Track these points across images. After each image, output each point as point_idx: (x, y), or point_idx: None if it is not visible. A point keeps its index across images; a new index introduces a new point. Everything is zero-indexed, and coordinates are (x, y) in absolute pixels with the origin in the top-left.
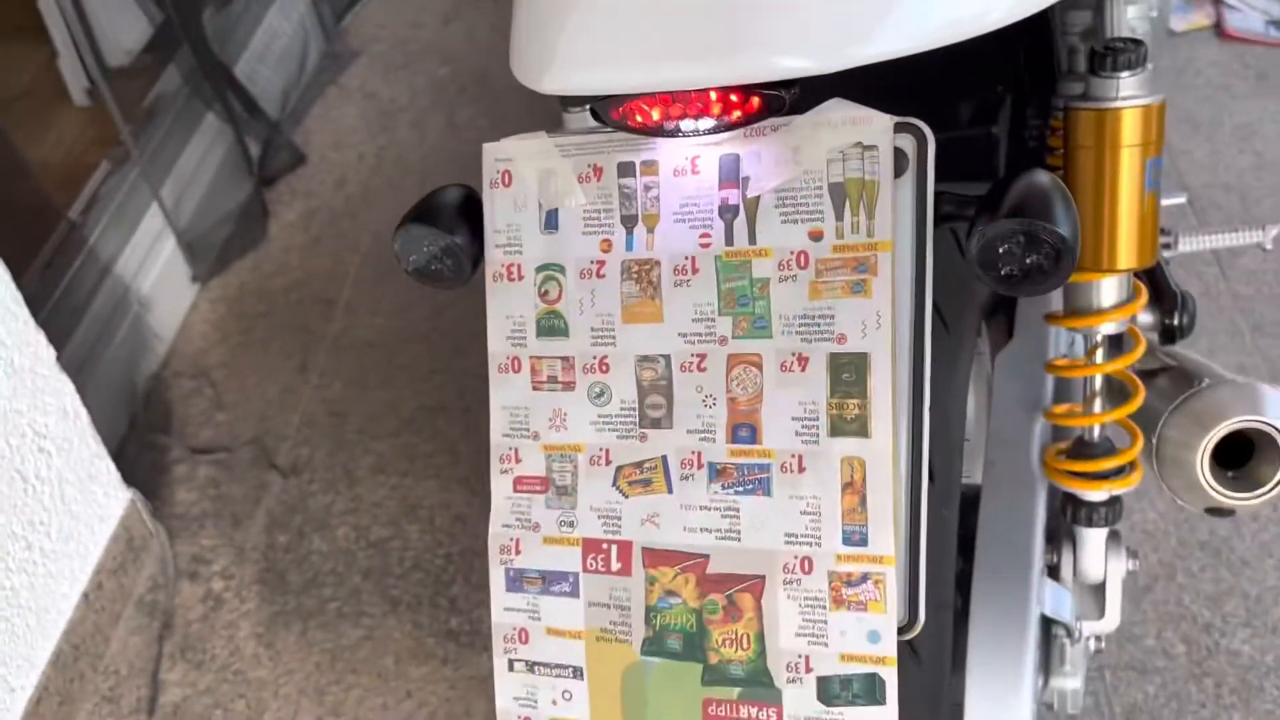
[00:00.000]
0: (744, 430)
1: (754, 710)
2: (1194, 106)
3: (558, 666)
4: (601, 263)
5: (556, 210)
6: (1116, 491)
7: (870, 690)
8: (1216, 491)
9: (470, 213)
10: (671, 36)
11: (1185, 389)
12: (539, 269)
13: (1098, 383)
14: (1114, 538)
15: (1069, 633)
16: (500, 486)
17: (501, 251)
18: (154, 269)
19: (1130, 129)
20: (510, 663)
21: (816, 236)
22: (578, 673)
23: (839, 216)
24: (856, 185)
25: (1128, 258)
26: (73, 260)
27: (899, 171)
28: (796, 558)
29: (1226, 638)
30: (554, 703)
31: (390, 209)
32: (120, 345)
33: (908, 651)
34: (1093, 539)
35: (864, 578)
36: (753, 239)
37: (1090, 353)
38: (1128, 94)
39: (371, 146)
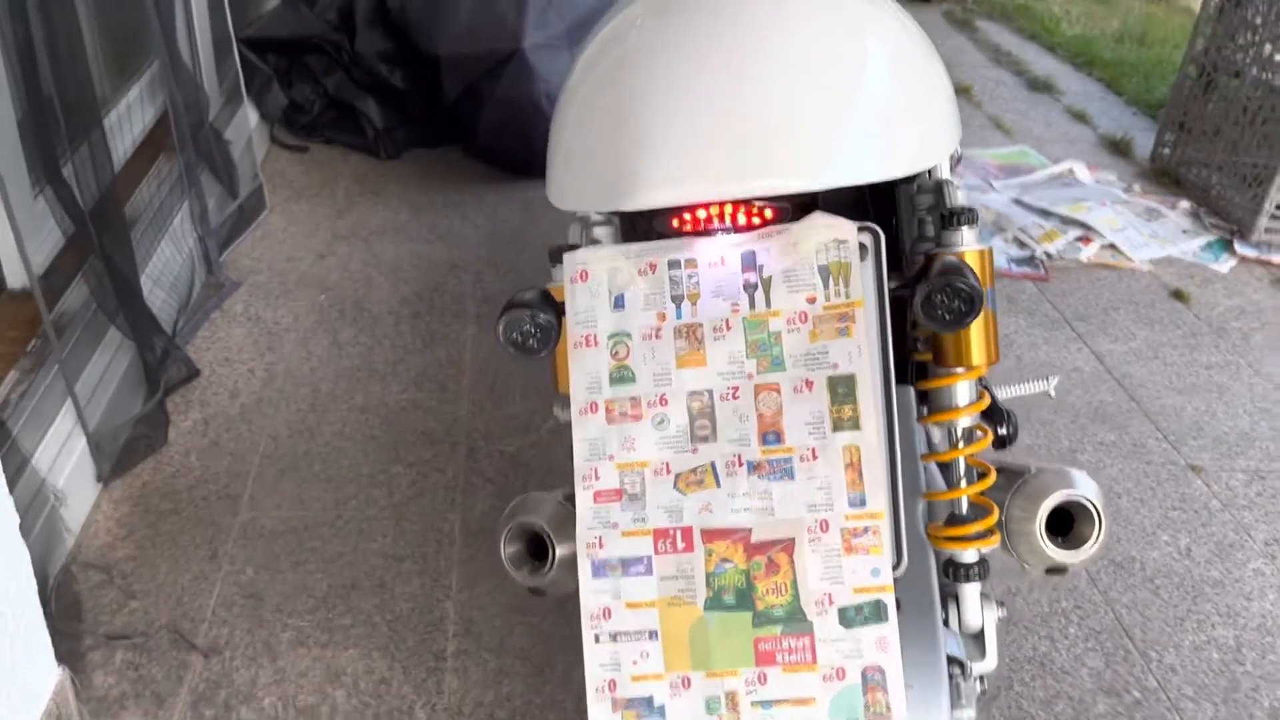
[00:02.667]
0: (771, 436)
1: (793, 641)
2: None
3: (636, 633)
4: (659, 329)
5: (623, 294)
6: (984, 550)
7: (877, 612)
8: (1053, 552)
9: (548, 303)
10: (723, 167)
11: (1017, 480)
12: (610, 336)
13: (961, 468)
14: (985, 596)
15: (963, 671)
16: (584, 499)
17: (581, 327)
18: (67, 465)
19: (974, 267)
20: (596, 636)
21: (812, 301)
22: (653, 635)
23: (826, 286)
24: (836, 266)
25: (978, 356)
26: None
27: (863, 256)
28: (817, 521)
29: None
30: (634, 663)
31: (285, 416)
32: (38, 536)
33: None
34: (970, 593)
35: (865, 530)
36: (768, 304)
37: (954, 443)
38: (970, 242)
39: (260, 363)
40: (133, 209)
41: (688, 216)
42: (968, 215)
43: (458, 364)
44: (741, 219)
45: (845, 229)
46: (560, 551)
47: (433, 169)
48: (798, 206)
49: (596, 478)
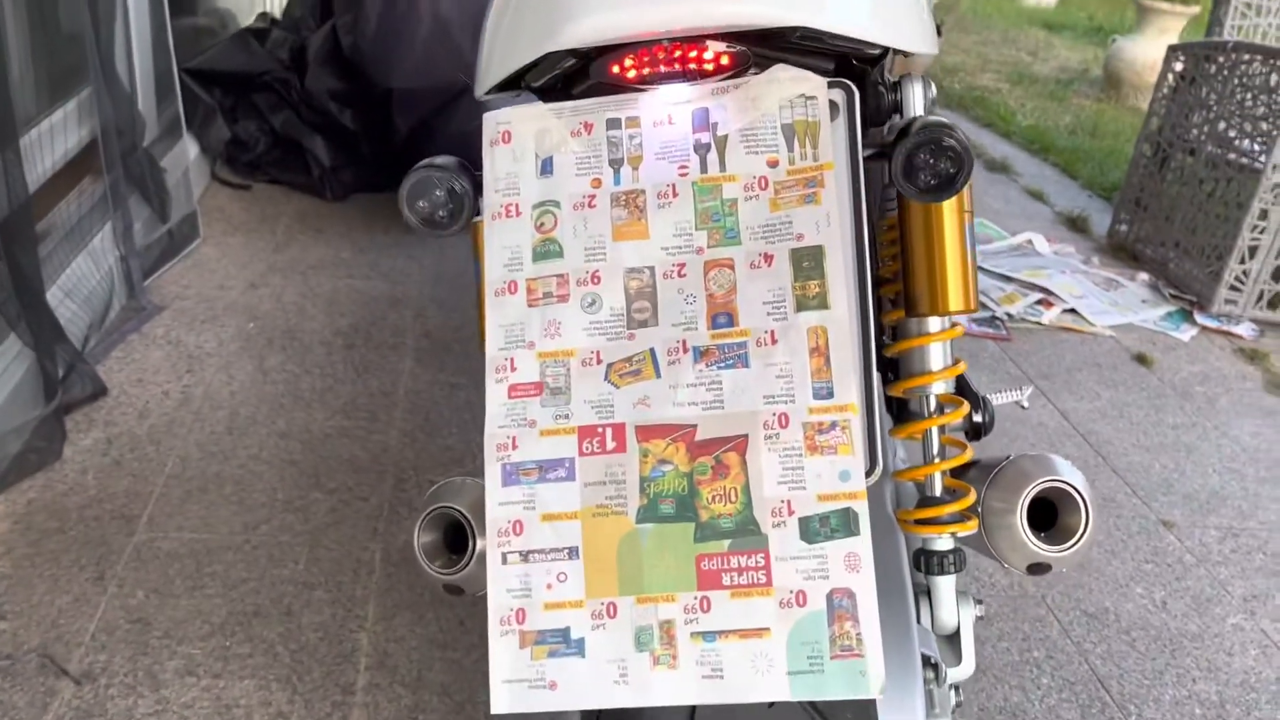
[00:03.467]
0: (722, 318)
1: (743, 559)
2: None
3: (553, 551)
4: (592, 196)
5: (551, 158)
6: (960, 534)
7: (846, 524)
8: (1036, 546)
9: (465, 171)
10: None
11: (994, 468)
12: (535, 206)
13: (935, 441)
14: (961, 593)
15: (936, 675)
16: (495, 394)
17: (500, 195)
18: None
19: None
20: (504, 556)
21: (773, 164)
22: (573, 553)
23: (790, 148)
24: (803, 125)
25: (956, 300)
26: None
27: (834, 115)
28: (775, 415)
29: None
30: (548, 587)
31: (197, 438)
32: None
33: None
34: (944, 587)
35: (833, 425)
36: (722, 168)
37: (927, 415)
38: None
39: (176, 385)
40: (49, 222)
41: (629, 63)
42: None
43: (391, 395)
44: (693, 66)
45: (813, 82)
46: (481, 543)
47: (379, 211)
48: (759, 57)
49: (512, 369)
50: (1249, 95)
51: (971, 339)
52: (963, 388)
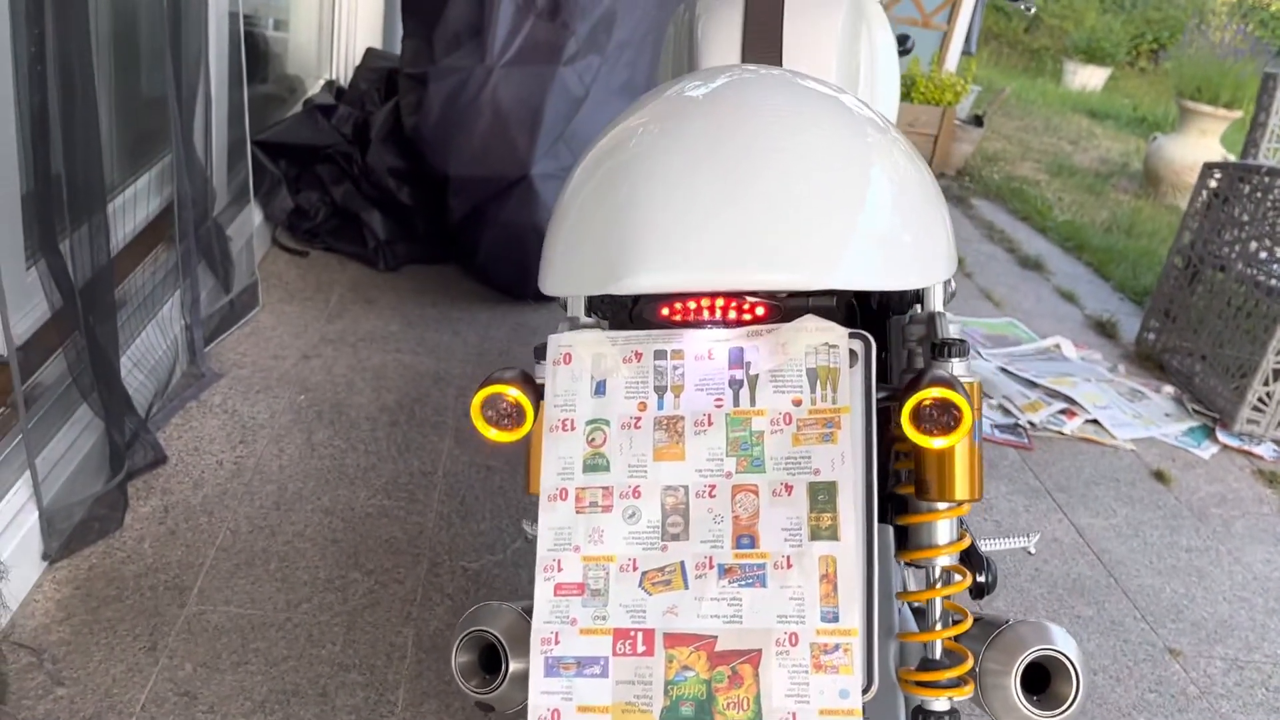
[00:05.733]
0: (745, 539)
1: None
2: None
3: None
4: (638, 418)
5: (605, 381)
6: (956, 699)
7: None
8: (1029, 711)
9: (528, 383)
10: (719, 255)
11: (994, 630)
12: (588, 422)
13: (938, 609)
14: None
15: None
16: (543, 591)
17: (559, 410)
18: (14, 539)
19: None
20: None
21: (797, 403)
22: None
23: (813, 390)
24: (825, 370)
25: (963, 490)
26: None
27: (853, 363)
28: (786, 633)
29: None
30: None
31: (247, 511)
32: None
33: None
34: None
35: (836, 647)
36: (753, 403)
37: (932, 584)
38: (960, 373)
39: (230, 455)
40: (124, 291)
41: (678, 306)
42: (959, 347)
43: (430, 475)
44: (732, 314)
45: (836, 333)
46: (514, 666)
47: (429, 283)
48: (789, 309)
49: (559, 569)
50: None
51: (994, 446)
52: (970, 551)
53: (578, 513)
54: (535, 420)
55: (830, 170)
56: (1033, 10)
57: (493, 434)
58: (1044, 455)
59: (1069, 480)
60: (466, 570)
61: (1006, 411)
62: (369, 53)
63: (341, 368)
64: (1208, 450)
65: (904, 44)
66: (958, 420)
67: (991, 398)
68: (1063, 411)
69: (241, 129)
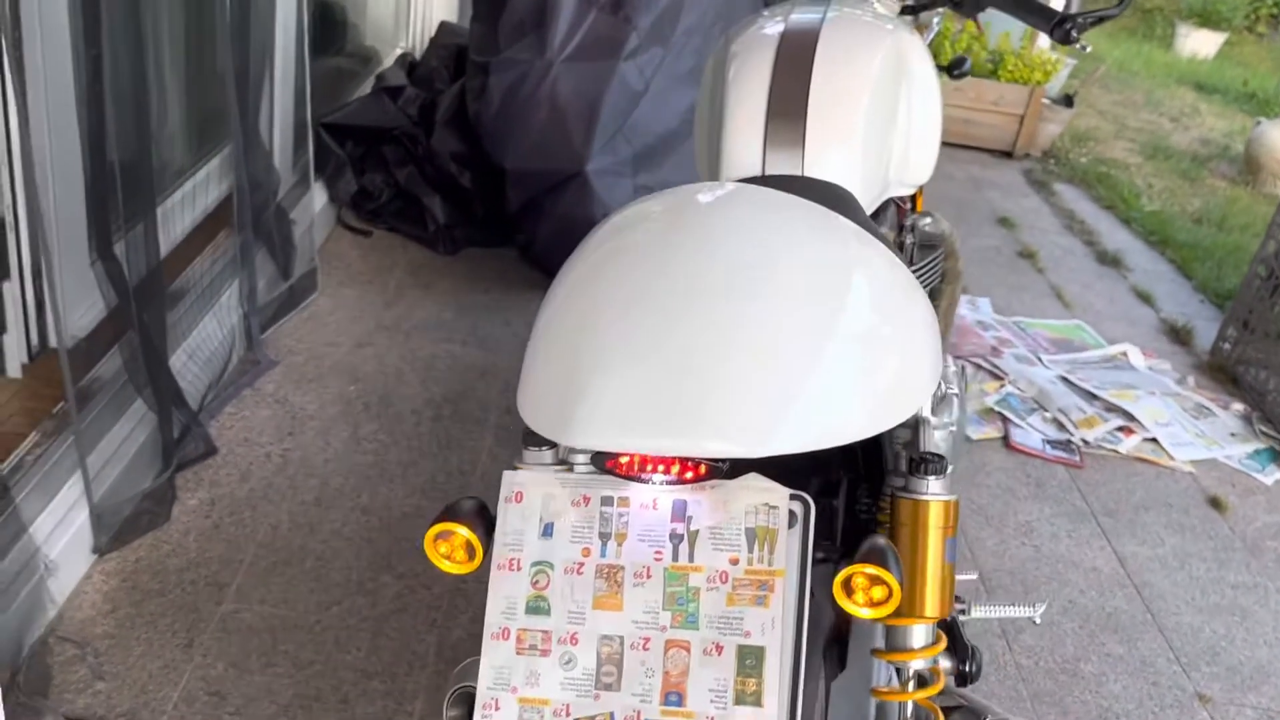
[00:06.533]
0: (674, 696)
1: None
2: (986, 502)
3: None
4: (581, 564)
5: (553, 523)
6: None
7: None
8: None
9: (483, 518)
10: (659, 421)
11: None
12: (534, 563)
13: (909, 709)
14: None
15: None
16: None
17: (507, 549)
18: (65, 535)
19: (935, 516)
20: None
21: (734, 562)
22: None
23: (750, 550)
24: (764, 530)
25: (932, 608)
26: None
27: (791, 524)
28: None
29: None
30: None
31: (289, 507)
32: (20, 605)
33: None
34: None
35: None
36: (691, 558)
37: (904, 684)
38: (934, 491)
39: (278, 448)
40: (183, 283)
41: (624, 459)
42: (936, 465)
43: (468, 475)
44: (676, 469)
45: (777, 495)
46: None
47: (486, 269)
48: (739, 460)
49: (496, 709)
50: None
51: (1043, 463)
52: (955, 637)
53: (518, 654)
54: (486, 554)
55: (782, 321)
56: (1088, 49)
57: (446, 565)
58: (1095, 474)
59: (1118, 503)
60: (461, 663)
61: (1060, 426)
62: (442, 27)
63: (393, 358)
64: (1271, 476)
65: (961, 66)
66: (887, 598)
67: (1047, 410)
68: (1120, 428)
69: (304, 112)
